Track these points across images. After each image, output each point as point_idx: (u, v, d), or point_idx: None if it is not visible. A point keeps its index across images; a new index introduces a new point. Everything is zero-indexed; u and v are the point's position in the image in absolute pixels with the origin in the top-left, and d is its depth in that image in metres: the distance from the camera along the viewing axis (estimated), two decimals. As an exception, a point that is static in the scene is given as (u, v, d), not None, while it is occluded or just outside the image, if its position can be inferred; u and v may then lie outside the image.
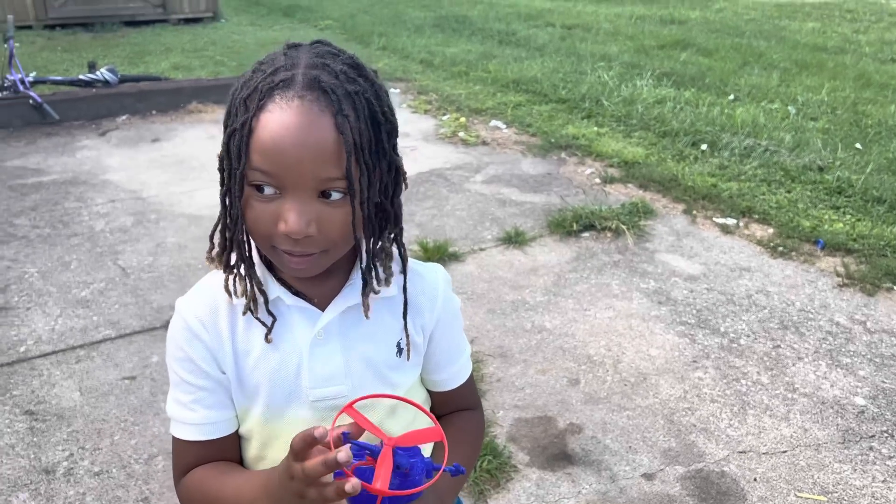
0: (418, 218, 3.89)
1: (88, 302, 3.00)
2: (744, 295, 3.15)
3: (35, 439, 2.23)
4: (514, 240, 3.61)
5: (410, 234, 3.68)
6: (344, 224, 0.84)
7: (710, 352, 2.74)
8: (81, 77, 5.71)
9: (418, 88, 6.64)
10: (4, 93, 5.45)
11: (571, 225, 3.74)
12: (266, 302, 0.91)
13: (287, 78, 0.79)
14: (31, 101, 5.30)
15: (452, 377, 1.06)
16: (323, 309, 0.93)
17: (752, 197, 4.09)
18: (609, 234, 3.71)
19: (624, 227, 3.73)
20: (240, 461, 0.99)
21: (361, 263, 0.91)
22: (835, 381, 2.58)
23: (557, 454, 2.22)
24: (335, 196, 0.81)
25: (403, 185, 0.90)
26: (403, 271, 0.95)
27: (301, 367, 0.92)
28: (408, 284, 0.95)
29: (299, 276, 0.90)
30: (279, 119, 0.78)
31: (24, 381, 2.50)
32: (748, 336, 2.85)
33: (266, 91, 0.79)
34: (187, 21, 10.22)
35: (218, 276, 0.94)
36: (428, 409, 1.07)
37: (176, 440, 0.96)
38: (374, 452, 0.75)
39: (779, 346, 2.78)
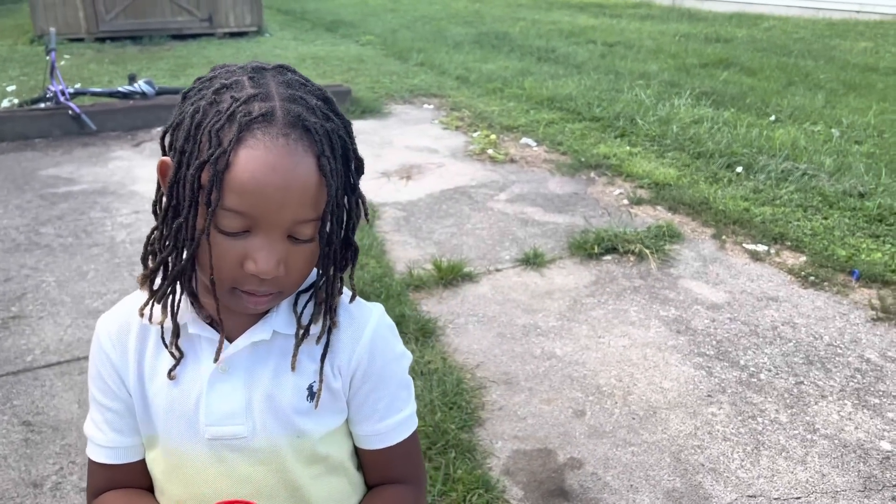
0: (437, 236, 3.83)
1: (100, 312, 3.01)
2: (769, 326, 3.00)
3: (28, 451, 2.23)
4: (532, 261, 3.52)
5: (427, 252, 3.63)
6: (309, 263, 0.82)
7: (727, 386, 2.61)
8: (120, 89, 5.84)
9: (451, 105, 6.61)
10: (46, 103, 5.61)
11: (593, 247, 3.64)
12: (177, 336, 0.86)
13: (267, 112, 0.74)
14: (70, 112, 5.44)
15: (378, 436, 0.94)
16: (233, 341, 0.87)
17: (785, 223, 3.92)
18: (632, 258, 3.59)
19: (647, 250, 3.61)
20: (151, 488, 0.95)
21: (316, 301, 0.88)
22: (860, 422, 2.41)
23: (554, 490, 2.12)
24: (304, 236, 0.78)
25: (366, 219, 0.87)
26: (334, 307, 0.90)
27: (200, 402, 0.87)
28: (333, 321, 0.89)
29: (252, 313, 0.85)
30: (263, 159, 0.73)
31: (26, 391, 2.52)
32: (769, 371, 2.70)
33: (245, 124, 0.73)
34: (232, 35, 10.43)
35: (138, 296, 0.90)
36: (353, 467, 0.98)
37: (89, 460, 0.93)
38: None
39: (801, 383, 2.62)
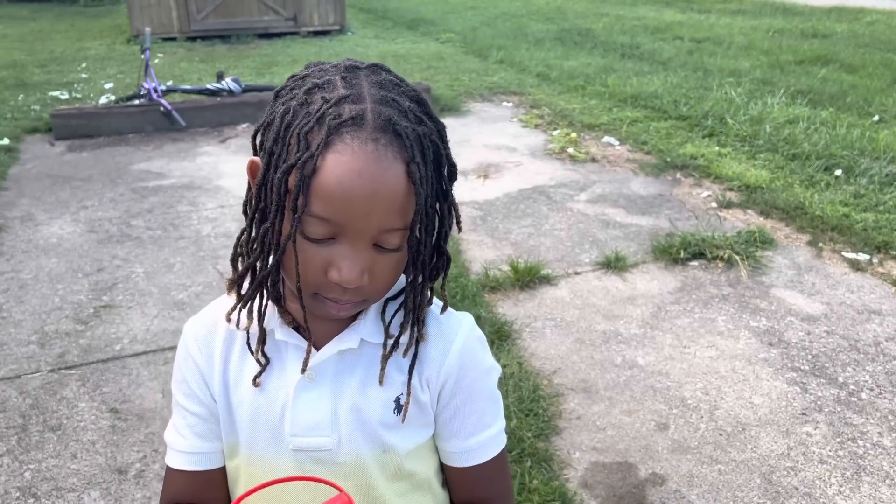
0: (514, 236, 3.77)
1: (184, 304, 3.10)
2: (871, 342, 2.80)
3: (115, 438, 2.30)
4: (614, 265, 3.41)
5: (503, 252, 3.57)
6: (395, 272, 0.78)
7: (824, 404, 2.44)
8: (208, 87, 6.02)
9: (531, 102, 6.51)
10: (140, 100, 5.84)
11: (679, 252, 3.49)
12: (263, 342, 0.84)
13: (357, 115, 0.70)
14: (161, 109, 5.64)
15: (466, 453, 0.89)
16: (320, 348, 0.84)
17: (890, 230, 3.66)
18: (720, 265, 3.42)
19: (737, 256, 3.44)
20: (227, 500, 0.92)
21: (405, 310, 0.84)
22: (976, 451, 2.21)
23: (634, 506, 2.03)
24: (391, 245, 0.75)
25: (458, 227, 0.83)
26: (422, 318, 0.85)
27: (285, 411, 0.84)
28: (421, 333, 0.85)
29: (336, 319, 0.82)
30: (351, 165, 0.70)
31: (114, 378, 2.60)
32: (871, 390, 2.51)
33: (334, 128, 0.70)
34: (316, 34, 10.63)
35: (225, 301, 0.87)
36: (439, 484, 0.93)
37: (167, 468, 0.91)
38: None
39: (908, 405, 2.43)
